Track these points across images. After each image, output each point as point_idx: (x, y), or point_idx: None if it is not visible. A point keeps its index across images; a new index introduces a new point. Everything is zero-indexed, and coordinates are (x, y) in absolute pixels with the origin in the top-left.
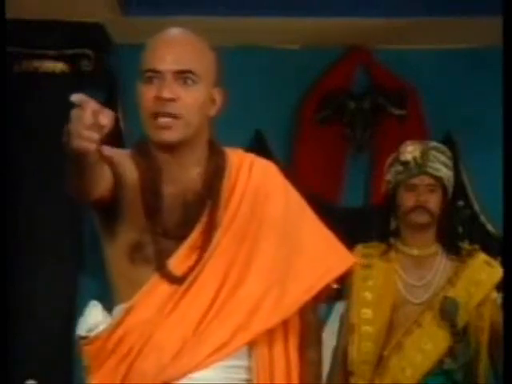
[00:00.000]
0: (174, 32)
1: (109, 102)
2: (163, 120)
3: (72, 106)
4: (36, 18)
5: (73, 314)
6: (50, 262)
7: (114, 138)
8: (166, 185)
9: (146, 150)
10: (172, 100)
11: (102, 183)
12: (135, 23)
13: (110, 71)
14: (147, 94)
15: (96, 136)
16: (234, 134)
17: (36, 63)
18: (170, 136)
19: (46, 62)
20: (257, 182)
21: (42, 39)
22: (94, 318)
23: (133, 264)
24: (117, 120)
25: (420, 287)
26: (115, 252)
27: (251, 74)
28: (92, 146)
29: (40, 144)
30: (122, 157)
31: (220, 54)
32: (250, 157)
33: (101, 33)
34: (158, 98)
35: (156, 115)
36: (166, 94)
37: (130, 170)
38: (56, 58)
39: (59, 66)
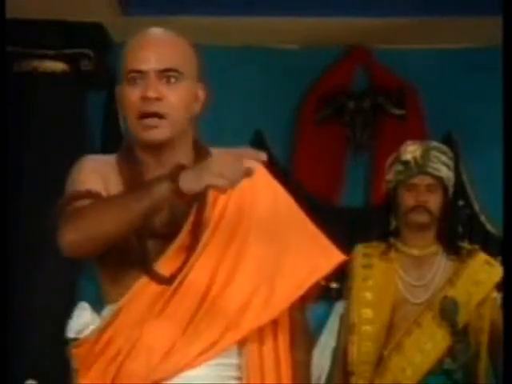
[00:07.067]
0: (154, 32)
1: (108, 101)
2: (149, 120)
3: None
4: (36, 18)
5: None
6: (50, 263)
7: (115, 137)
8: None
9: (131, 154)
10: (157, 99)
11: None
12: (135, 23)
13: (110, 71)
14: (132, 94)
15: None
16: (234, 134)
17: (36, 63)
18: (156, 135)
19: (46, 62)
20: (244, 181)
21: (42, 39)
22: (82, 320)
23: (120, 267)
24: (117, 120)
25: (420, 287)
26: (101, 257)
27: (251, 74)
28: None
29: (40, 144)
30: (108, 168)
31: (200, 51)
32: None
33: (101, 33)
34: (144, 98)
35: (142, 115)
36: (152, 94)
37: (114, 183)
38: (56, 58)
39: (59, 66)
